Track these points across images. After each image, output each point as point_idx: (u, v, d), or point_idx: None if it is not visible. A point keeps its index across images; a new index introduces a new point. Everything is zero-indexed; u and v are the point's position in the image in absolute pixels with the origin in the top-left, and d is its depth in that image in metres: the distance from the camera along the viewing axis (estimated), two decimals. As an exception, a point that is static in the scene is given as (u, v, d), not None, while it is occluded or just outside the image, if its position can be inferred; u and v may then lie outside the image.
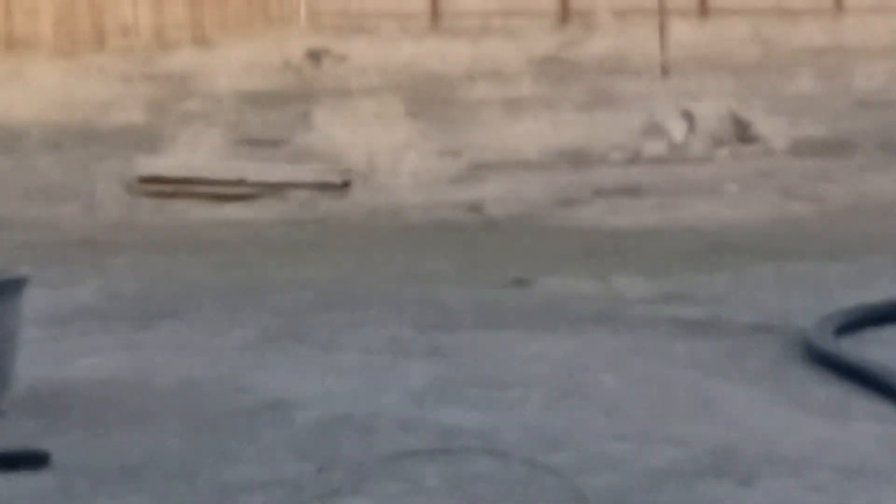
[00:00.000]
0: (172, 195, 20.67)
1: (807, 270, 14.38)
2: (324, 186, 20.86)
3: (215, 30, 46.30)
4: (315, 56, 40.74)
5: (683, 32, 40.64)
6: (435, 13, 52.32)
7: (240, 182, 20.81)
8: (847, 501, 7.31)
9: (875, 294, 12.64)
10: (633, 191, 21.11)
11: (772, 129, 25.60)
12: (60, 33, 42.93)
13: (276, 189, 20.74)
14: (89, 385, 10.41)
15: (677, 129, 24.30)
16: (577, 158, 24.82)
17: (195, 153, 24.09)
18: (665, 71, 34.99)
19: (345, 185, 20.92)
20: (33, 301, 10.59)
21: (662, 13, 35.17)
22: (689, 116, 24.67)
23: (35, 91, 36.08)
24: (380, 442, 8.65)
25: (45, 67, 40.57)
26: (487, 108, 28.95)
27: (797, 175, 22.50)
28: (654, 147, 24.50)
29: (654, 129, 25.17)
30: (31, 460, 8.30)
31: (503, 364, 10.94)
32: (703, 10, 49.87)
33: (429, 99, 32.84)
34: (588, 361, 10.95)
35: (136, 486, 7.83)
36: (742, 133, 24.32)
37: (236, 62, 41.46)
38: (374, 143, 24.25)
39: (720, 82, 34.40)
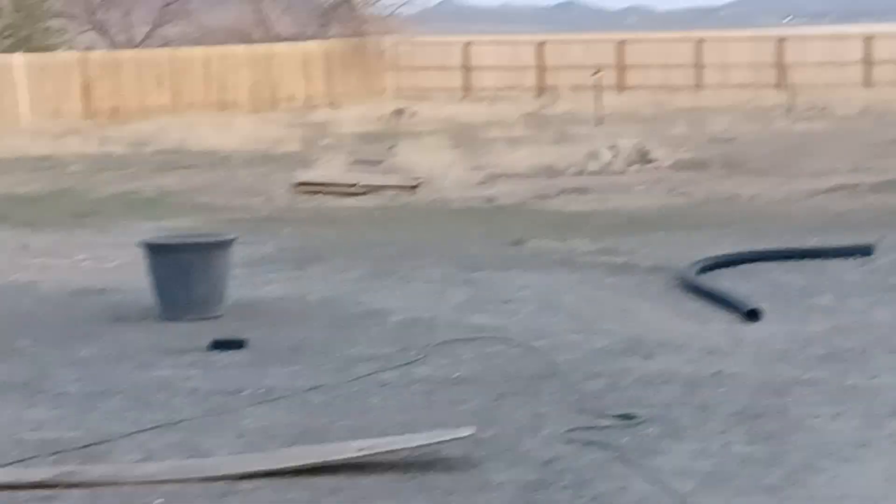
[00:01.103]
0: (315, 193, 26.36)
1: (682, 236, 18.74)
2: (403, 188, 26.82)
3: (341, 97, 52.07)
4: (398, 112, 51.55)
5: (610, 99, 51.48)
6: (467, 88, 66.36)
7: (354, 185, 26.66)
8: (707, 369, 10.79)
9: (722, 250, 16.78)
10: (581, 190, 27.55)
11: (662, 154, 32.08)
12: (252, 99, 48.83)
13: (375, 189, 26.36)
14: (269, 301, 14.80)
15: (606, 155, 31.87)
16: (549, 172, 31.55)
17: (329, 168, 30.02)
18: (599, 121, 46.27)
19: (415, 187, 26.88)
20: (237, 253, 14.75)
21: (598, 89, 46.62)
22: (613, 148, 32.31)
23: (237, 133, 41.38)
24: (437, 334, 12.75)
25: (244, 119, 47.86)
26: (497, 143, 36.86)
27: (677, 181, 28.49)
28: (593, 165, 31.86)
29: (593, 155, 32.39)
30: (237, 344, 12.15)
31: (507, 289, 15.21)
32: (621, 87, 64.27)
33: (463, 137, 38.23)
34: (556, 288, 15.28)
35: (296, 358, 11.71)
36: (644, 157, 31.09)
37: (353, 116, 50.45)
38: (432, 163, 29.87)
39: (631, 128, 41.72)
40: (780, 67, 54.32)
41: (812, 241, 17.31)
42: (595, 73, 51.24)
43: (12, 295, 15.29)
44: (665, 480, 8.01)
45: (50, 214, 22.68)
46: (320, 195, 25.50)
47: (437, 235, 19.48)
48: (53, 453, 8.90)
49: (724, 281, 14.74)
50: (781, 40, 60.75)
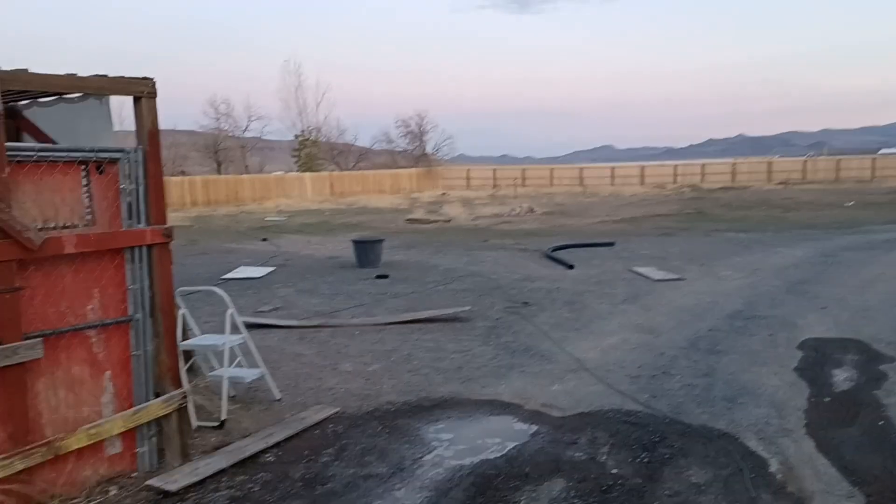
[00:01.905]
0: (414, 223, 24.49)
1: (546, 239, 17.54)
2: (445, 221, 24.93)
3: (422, 189, 51.78)
4: (443, 194, 44.43)
5: (523, 191, 45.69)
6: (469, 187, 56.04)
7: (428, 221, 24.89)
8: (555, 286, 10.62)
9: (560, 243, 15.95)
10: (509, 222, 24.88)
11: (538, 209, 29.86)
12: (391, 189, 48.43)
13: (435, 221, 24.65)
14: (396, 261, 13.76)
15: (518, 209, 28.68)
16: (498, 215, 29.03)
17: (418, 214, 28.48)
18: (515, 198, 38.93)
19: (449, 221, 24.95)
20: (386, 244, 13.75)
21: (516, 187, 40.43)
22: (521, 207, 29.41)
23: (385, 201, 40.84)
24: (457, 273, 12.21)
25: (388, 196, 45.54)
26: (479, 205, 34.61)
27: (543, 219, 26.17)
28: (513, 213, 29.57)
29: (513, 209, 29.11)
30: (385, 276, 11.88)
31: (482, 257, 14.20)
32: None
33: (467, 205, 37.21)
34: (500, 257, 14.25)
35: (406, 281, 11.50)
36: (532, 210, 28.30)
37: (425, 196, 46.01)
38: (457, 212, 27.78)
39: (527, 200, 38.45)
40: (582, 180, 53.10)
41: (593, 240, 16.62)
42: (514, 180, 51.40)
43: (304, 258, 15.17)
44: (539, 325, 8.13)
45: (318, 230, 22.47)
46: (415, 223, 24.58)
47: (457, 238, 18.80)
48: (319, 315, 9.05)
49: (562, 254, 14.00)
50: (586, 169, 59.87)
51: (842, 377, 5.91)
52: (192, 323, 5.62)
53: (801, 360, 6.41)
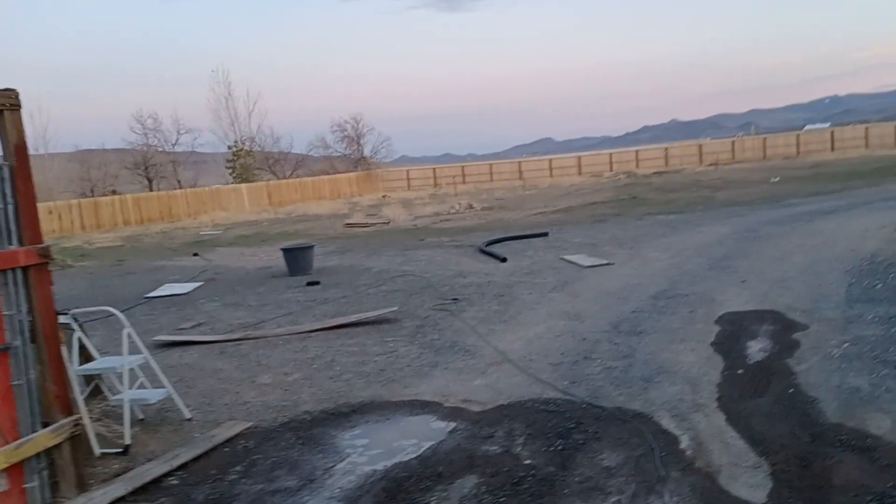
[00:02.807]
0: (352, 227, 24.02)
1: (482, 234, 17.61)
2: (384, 223, 24.42)
3: (362, 193, 51.23)
4: (383, 196, 43.86)
5: (462, 188, 46.00)
6: (409, 188, 54.89)
7: (366, 225, 24.37)
8: (486, 280, 10.53)
9: (494, 236, 15.93)
10: (446, 220, 24.78)
11: (477, 205, 29.78)
12: (329, 194, 47.84)
13: (373, 224, 24.21)
14: (330, 266, 13.50)
15: (457, 206, 28.62)
16: (436, 214, 28.94)
17: (357, 218, 27.76)
18: (454, 196, 38.72)
19: (388, 223, 24.50)
20: (319, 249, 13.59)
21: (455, 185, 40.81)
22: (459, 204, 29.48)
23: (324, 207, 39.85)
24: (390, 274, 11.98)
25: (327, 203, 44.34)
26: (418, 206, 34.96)
27: (482, 215, 26.28)
28: (451, 210, 28.85)
29: (452, 207, 29.63)
30: (317, 283, 11.56)
31: (416, 256, 13.98)
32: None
33: (407, 205, 37.09)
34: (434, 255, 14.06)
35: (338, 286, 11.20)
36: (470, 206, 28.44)
37: (365, 200, 45.42)
38: (395, 214, 27.60)
39: (466, 197, 38.89)
40: (521, 174, 53.44)
41: (528, 231, 16.57)
42: (453, 178, 51.46)
43: (235, 270, 14.76)
44: (466, 321, 8.03)
45: (253, 242, 21.96)
46: (354, 228, 24.16)
47: (394, 239, 18.56)
48: (243, 328, 8.78)
49: (497, 248, 14.01)
50: (525, 162, 60.37)
51: (756, 348, 5.98)
52: (89, 345, 5.34)
53: (718, 335, 6.46)
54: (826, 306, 7.11)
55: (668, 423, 4.53)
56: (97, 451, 4.76)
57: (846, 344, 5.79)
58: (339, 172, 55.07)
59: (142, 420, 5.40)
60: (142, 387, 5.37)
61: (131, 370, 5.17)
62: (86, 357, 5.34)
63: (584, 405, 4.99)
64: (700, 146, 53.93)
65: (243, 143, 54.05)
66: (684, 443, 4.20)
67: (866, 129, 50.59)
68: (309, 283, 11.73)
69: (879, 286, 7.74)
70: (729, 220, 15.54)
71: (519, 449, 4.34)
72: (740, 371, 5.42)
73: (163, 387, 5.40)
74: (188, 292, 12.00)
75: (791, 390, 4.90)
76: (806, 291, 7.92)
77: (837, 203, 17.30)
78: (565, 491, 3.74)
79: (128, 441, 4.86)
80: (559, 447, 4.30)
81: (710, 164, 47.30)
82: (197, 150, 56.51)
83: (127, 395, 4.99)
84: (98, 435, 4.91)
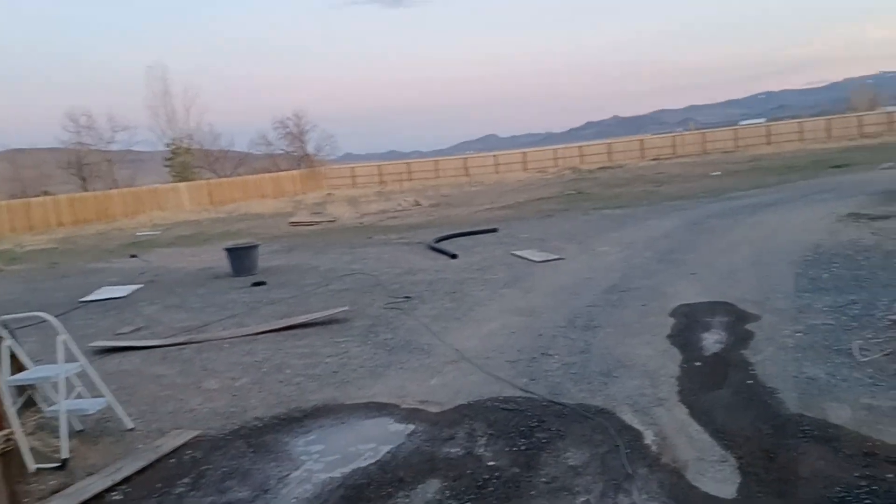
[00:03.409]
0: (297, 226, 23.48)
1: (431, 231, 17.32)
2: (330, 221, 23.96)
3: (307, 191, 50.22)
4: (329, 195, 43.53)
5: (408, 185, 45.63)
6: (354, 185, 53.30)
7: (311, 223, 23.86)
8: (437, 277, 10.41)
9: (443, 233, 15.72)
10: (394, 217, 24.71)
11: (424, 202, 29.70)
12: (273, 193, 46.87)
13: (319, 223, 23.76)
14: (275, 266, 13.16)
15: (403, 203, 28.34)
16: (383, 211, 28.48)
17: (302, 216, 27.02)
18: (402, 193, 38.60)
19: (334, 221, 24.10)
20: (264, 249, 13.19)
21: (402, 182, 40.95)
22: (406, 201, 30.22)
23: (268, 205, 39.25)
24: (335, 274, 11.65)
25: (271, 201, 43.45)
26: (364, 203, 34.03)
27: (429, 211, 26.03)
28: (399, 207, 29.26)
29: (398, 204, 29.26)
30: (262, 283, 11.22)
31: (365, 254, 13.69)
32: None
33: (353, 203, 36.55)
34: (384, 254, 13.72)
35: (284, 286, 10.91)
36: (417, 203, 28.16)
37: (311, 198, 45.27)
38: (341, 211, 26.98)
39: (412, 194, 38.59)
40: (467, 170, 53.47)
41: (476, 228, 16.40)
42: (400, 176, 51.20)
43: (176, 271, 14.27)
44: (419, 319, 7.89)
45: (194, 242, 21.29)
46: (299, 226, 23.67)
47: (341, 237, 18.26)
48: (186, 331, 8.46)
49: (446, 245, 13.85)
50: (470, 159, 60.29)
51: (711, 340, 6.01)
52: (21, 354, 5.01)
53: (673, 327, 6.47)
54: (776, 297, 7.21)
55: (630, 418, 4.48)
56: (32, 466, 4.46)
57: (799, 334, 5.85)
58: (281, 170, 54.12)
59: (80, 432, 5.09)
60: (79, 396, 5.06)
61: (67, 379, 4.87)
62: (18, 367, 5.02)
63: (545, 403, 4.90)
64: (642, 141, 54.88)
65: (182, 141, 52.66)
66: (649, 438, 4.15)
67: (800, 123, 52.36)
68: (254, 284, 11.42)
69: (826, 276, 7.91)
70: (674, 214, 15.78)
71: (481, 450, 4.22)
72: (698, 363, 5.42)
73: (102, 396, 5.10)
74: (127, 295, 11.54)
75: (749, 381, 4.91)
76: (755, 282, 8.03)
77: (777, 196, 17.77)
78: (532, 492, 3.63)
79: (65, 455, 4.57)
80: (523, 447, 4.20)
81: (653, 159, 48.20)
82: (133, 148, 54.81)
83: (63, 406, 4.69)
84: (33, 449, 4.59)
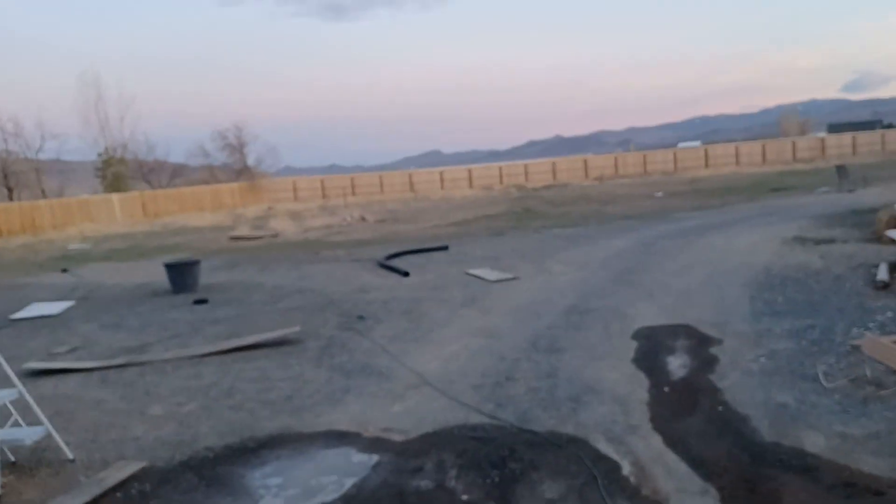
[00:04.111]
0: (238, 240, 22.84)
1: (381, 247, 17.10)
2: (272, 236, 23.33)
3: (246, 204, 49.03)
4: (270, 208, 42.25)
5: (352, 200, 45.06)
6: (297, 199, 52.95)
7: (254, 237, 23.32)
8: (390, 295, 10.15)
9: (393, 250, 15.48)
10: (340, 232, 24.34)
11: (370, 217, 29.06)
12: (211, 206, 45.07)
13: (260, 237, 23.16)
14: (218, 283, 12.65)
15: (349, 219, 27.77)
16: (328, 226, 27.90)
17: (243, 231, 26.37)
18: (348, 208, 38.00)
19: (276, 236, 23.44)
20: (204, 264, 12.66)
21: (346, 196, 40.28)
22: (352, 216, 28.78)
23: (206, 219, 37.49)
24: (285, 290, 11.33)
25: (209, 214, 42.05)
26: (308, 217, 32.81)
27: (376, 227, 25.62)
28: (344, 223, 28.33)
29: (344, 219, 28.50)
30: (204, 301, 10.84)
31: (313, 272, 13.25)
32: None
33: (295, 217, 35.71)
34: (331, 270, 13.43)
35: (228, 304, 10.50)
36: (364, 219, 27.58)
37: (251, 212, 44.12)
38: (283, 226, 26.45)
39: (357, 209, 37.91)
40: (412, 185, 53.05)
41: (426, 245, 16.19)
42: (343, 190, 50.61)
43: (111, 287, 13.59)
44: (376, 340, 7.68)
45: (129, 256, 20.47)
46: (240, 241, 22.98)
47: (285, 252, 17.75)
48: (125, 352, 8.03)
49: (397, 262, 13.63)
50: (415, 174, 59.78)
51: (676, 364, 6.00)
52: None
53: (637, 351, 6.46)
54: (734, 320, 7.28)
55: (605, 447, 4.38)
56: (-42, 505, 4.10)
57: (762, 358, 5.88)
58: (220, 182, 52.94)
59: (13, 464, 4.71)
60: (15, 425, 4.68)
61: (3, 406, 4.50)
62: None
63: (515, 430, 4.77)
64: (585, 161, 55.74)
65: (115, 150, 51.00)
66: (626, 469, 4.06)
67: (736, 147, 54.06)
68: (196, 302, 11.02)
69: (780, 299, 8.03)
70: (624, 234, 15.94)
71: (453, 483, 4.06)
72: (666, 388, 5.38)
73: (38, 423, 4.74)
74: (59, 313, 10.96)
75: (720, 408, 4.89)
76: (711, 304, 8.11)
77: (721, 217, 18.18)
78: (511, 529, 3.50)
79: (-3, 491, 4.22)
80: (496, 479, 4.06)
81: (596, 179, 49.05)
82: (63, 157, 52.75)
83: (-3, 437, 4.33)
84: (-41, 486, 4.23)
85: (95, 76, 60.16)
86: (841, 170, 24.62)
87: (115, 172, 49.55)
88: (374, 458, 4.52)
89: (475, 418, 5.06)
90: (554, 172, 52.83)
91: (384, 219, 28.17)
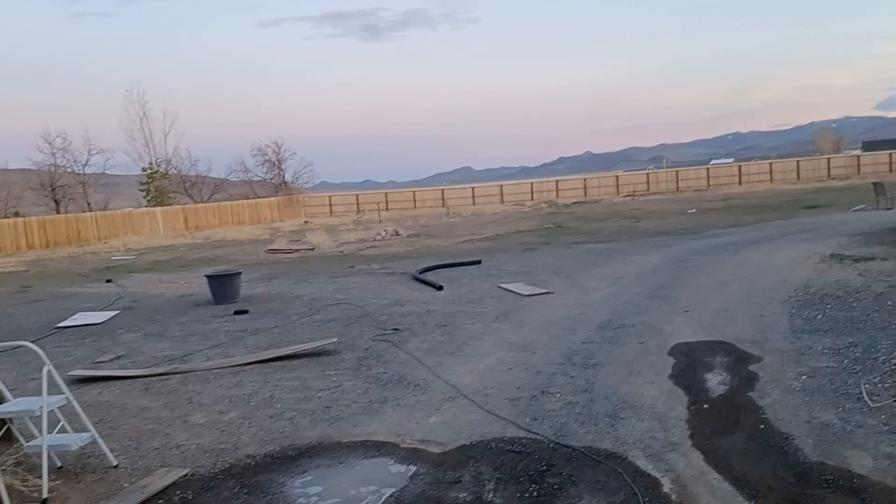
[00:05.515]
0: (276, 253, 23.09)
1: (413, 262, 17.15)
2: (309, 249, 23.56)
3: (284, 219, 49.76)
4: (306, 223, 43.58)
5: (386, 215, 45.28)
6: (332, 213, 53.77)
7: (290, 250, 23.56)
8: (425, 308, 10.17)
9: (427, 264, 15.64)
10: (374, 246, 24.22)
11: (403, 232, 29.54)
12: (249, 220, 46.15)
13: (298, 250, 23.40)
14: (257, 294, 12.89)
15: (383, 233, 28.13)
16: (363, 240, 28.07)
17: (281, 244, 26.89)
18: (380, 223, 38.23)
19: (313, 249, 23.68)
20: (245, 276, 12.82)
21: (379, 211, 40.37)
22: (386, 231, 28.45)
23: (245, 232, 38.00)
24: (322, 302, 11.42)
25: (248, 228, 42.72)
26: (344, 231, 34.23)
27: (409, 241, 25.69)
28: (378, 237, 28.98)
29: (378, 234, 29.02)
30: (245, 312, 10.98)
31: (348, 284, 13.40)
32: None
33: (331, 231, 36.10)
34: (368, 284, 13.45)
35: (268, 315, 10.65)
36: (397, 233, 27.79)
37: (287, 226, 44.19)
38: (320, 240, 26.62)
39: (392, 224, 38.17)
40: (444, 201, 53.41)
41: (459, 259, 16.19)
42: (377, 205, 50.92)
43: (154, 297, 13.84)
44: (412, 352, 7.66)
45: (171, 267, 20.79)
46: (277, 254, 23.26)
47: (322, 266, 17.88)
48: (168, 361, 8.11)
49: (430, 276, 13.65)
50: (448, 190, 60.04)
51: (715, 381, 5.85)
52: None
53: (674, 367, 6.32)
54: (774, 337, 7.10)
55: (644, 463, 4.27)
56: (8, 507, 4.15)
57: (804, 377, 5.72)
58: (259, 197, 53.67)
59: (60, 468, 4.77)
60: (62, 430, 4.74)
61: (52, 412, 4.56)
62: (-4, 399, 4.72)
63: (552, 444, 4.69)
64: (617, 177, 55.50)
65: (158, 165, 52.08)
66: (666, 486, 3.95)
67: (770, 164, 53.32)
68: (236, 312, 11.10)
69: (820, 317, 7.83)
70: (657, 250, 15.75)
71: (491, 495, 3.98)
72: (706, 406, 5.25)
73: (84, 430, 4.79)
74: (104, 321, 11.14)
75: (762, 426, 4.75)
76: (750, 321, 7.94)
77: (757, 234, 17.88)
78: (551, 544, 3.42)
79: (45, 494, 4.25)
80: (534, 493, 3.97)
81: (627, 195, 48.66)
82: (108, 171, 53.96)
83: (45, 441, 4.37)
84: (9, 487, 4.28)
85: (140, 94, 61.54)
86: (878, 187, 24.07)
87: (159, 186, 50.62)
88: (412, 468, 4.47)
89: (512, 431, 4.99)
90: (585, 189, 52.61)
91: (417, 233, 28.31)
